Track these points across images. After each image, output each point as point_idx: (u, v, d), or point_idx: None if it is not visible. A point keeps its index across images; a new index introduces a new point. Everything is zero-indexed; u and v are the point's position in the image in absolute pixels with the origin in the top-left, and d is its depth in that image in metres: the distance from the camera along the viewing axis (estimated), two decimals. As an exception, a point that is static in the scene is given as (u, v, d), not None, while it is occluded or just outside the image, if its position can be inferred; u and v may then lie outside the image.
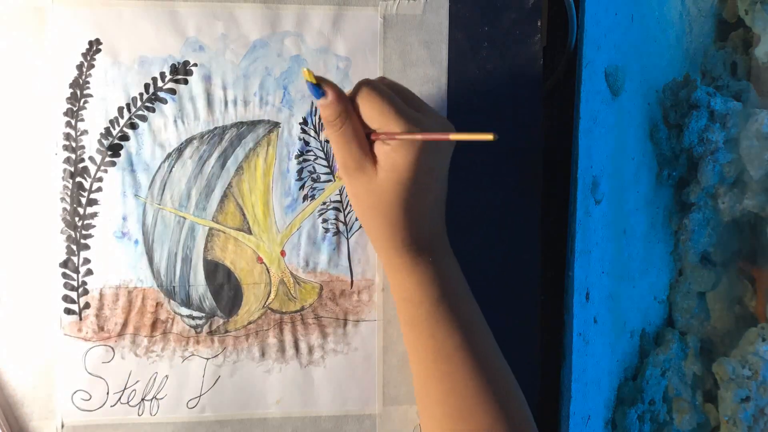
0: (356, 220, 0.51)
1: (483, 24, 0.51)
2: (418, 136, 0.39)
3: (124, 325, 0.49)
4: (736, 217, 0.66)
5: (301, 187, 0.50)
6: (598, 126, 0.58)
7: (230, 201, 0.50)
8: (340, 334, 0.51)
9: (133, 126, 0.49)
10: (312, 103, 0.50)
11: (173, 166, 0.49)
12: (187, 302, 0.50)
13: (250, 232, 0.50)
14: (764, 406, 0.64)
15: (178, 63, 0.49)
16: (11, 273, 0.48)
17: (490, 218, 0.52)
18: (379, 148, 0.40)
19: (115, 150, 0.49)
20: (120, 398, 0.49)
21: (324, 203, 0.51)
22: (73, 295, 0.49)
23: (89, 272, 0.49)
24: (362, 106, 0.40)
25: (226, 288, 0.50)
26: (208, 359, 0.50)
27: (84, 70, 0.48)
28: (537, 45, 0.52)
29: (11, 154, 0.48)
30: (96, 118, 0.48)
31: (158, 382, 0.49)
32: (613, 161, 0.61)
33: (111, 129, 0.49)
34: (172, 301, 0.50)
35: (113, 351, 0.49)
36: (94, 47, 0.48)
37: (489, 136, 0.34)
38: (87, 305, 0.49)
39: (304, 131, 0.50)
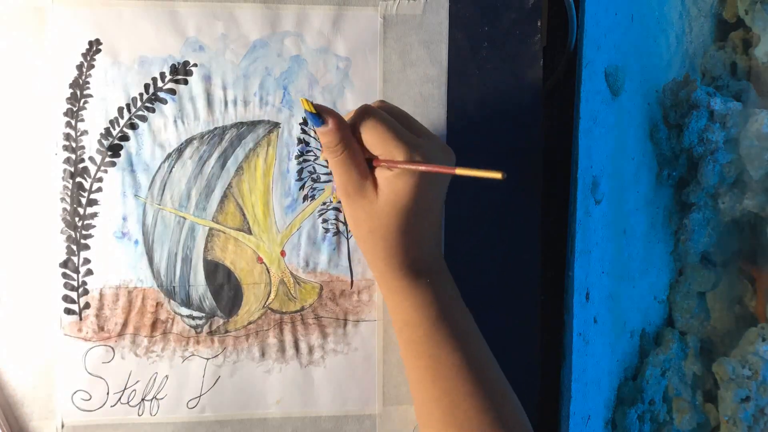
0: (356, 220, 0.51)
1: (483, 24, 0.51)
2: (422, 168, 0.39)
3: (124, 325, 0.49)
4: (736, 217, 0.66)
5: (301, 188, 0.50)
6: (598, 126, 0.58)
7: (230, 201, 0.50)
8: (340, 334, 0.51)
9: (133, 126, 0.49)
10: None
11: (173, 167, 0.49)
12: (187, 302, 0.50)
13: (250, 232, 0.50)
14: (764, 406, 0.64)
15: (178, 63, 0.49)
16: (11, 273, 0.48)
17: (490, 218, 0.52)
18: (381, 174, 0.41)
19: (115, 150, 0.49)
20: (120, 398, 0.49)
21: (324, 203, 0.51)
22: (73, 295, 0.49)
23: (89, 272, 0.49)
24: (364, 133, 0.40)
25: (226, 288, 0.50)
26: (208, 359, 0.50)
27: (84, 70, 0.48)
28: (537, 45, 0.52)
29: (11, 154, 0.48)
30: (96, 119, 0.48)
31: (158, 382, 0.50)
32: (613, 161, 0.61)
33: (111, 129, 0.49)
34: (172, 301, 0.50)
35: (113, 351, 0.49)
36: (94, 47, 0.48)
37: (497, 175, 0.34)
38: (87, 305, 0.49)
39: (304, 131, 0.50)
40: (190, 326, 0.50)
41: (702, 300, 0.68)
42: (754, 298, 0.67)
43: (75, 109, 0.48)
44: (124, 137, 0.49)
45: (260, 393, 0.50)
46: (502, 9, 0.51)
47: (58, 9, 0.47)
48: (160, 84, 0.49)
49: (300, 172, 0.50)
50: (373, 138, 0.40)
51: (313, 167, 0.50)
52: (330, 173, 0.51)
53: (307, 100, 0.39)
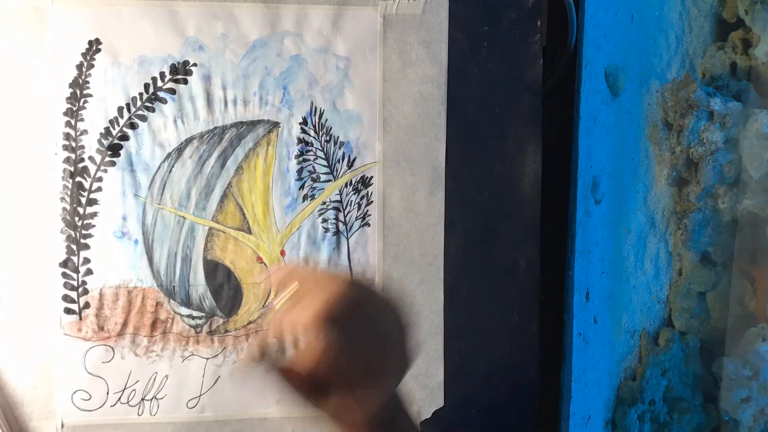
0: (356, 219, 0.51)
1: (483, 24, 0.51)
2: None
3: (124, 324, 0.49)
4: (736, 217, 0.66)
5: (301, 187, 0.50)
6: (598, 126, 0.58)
7: (230, 201, 0.50)
8: (340, 334, 0.51)
9: (133, 126, 0.49)
10: (311, 102, 0.50)
11: (173, 166, 0.49)
12: (187, 302, 0.50)
13: (250, 231, 0.50)
14: (764, 406, 0.64)
15: (178, 63, 0.49)
16: (11, 273, 0.48)
17: (490, 218, 0.52)
18: None
19: (114, 150, 0.49)
20: (120, 398, 0.49)
21: (324, 203, 0.51)
22: (73, 294, 0.49)
23: (89, 272, 0.49)
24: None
25: (226, 288, 0.50)
26: (207, 359, 0.50)
27: (84, 70, 0.48)
28: (537, 45, 0.52)
29: (11, 154, 0.48)
30: (96, 118, 0.48)
31: (158, 382, 0.49)
32: (613, 161, 0.61)
33: (111, 129, 0.49)
34: (172, 301, 0.50)
35: (113, 351, 0.49)
36: (94, 47, 0.48)
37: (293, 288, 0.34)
38: (87, 305, 0.49)
39: (303, 131, 0.50)
40: (190, 326, 0.50)
41: (702, 300, 0.68)
42: (754, 298, 0.67)
43: (75, 108, 0.48)
44: (124, 137, 0.49)
45: (260, 393, 0.50)
46: (502, 9, 0.51)
47: (58, 9, 0.47)
48: (159, 84, 0.49)
49: (300, 171, 0.50)
50: None
51: (313, 167, 0.50)
52: (330, 172, 0.51)
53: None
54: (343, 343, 0.34)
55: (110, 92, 0.48)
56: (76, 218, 0.49)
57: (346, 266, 0.51)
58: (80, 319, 0.49)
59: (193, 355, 0.50)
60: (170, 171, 0.49)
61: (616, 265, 0.63)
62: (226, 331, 0.50)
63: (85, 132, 0.48)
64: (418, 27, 0.50)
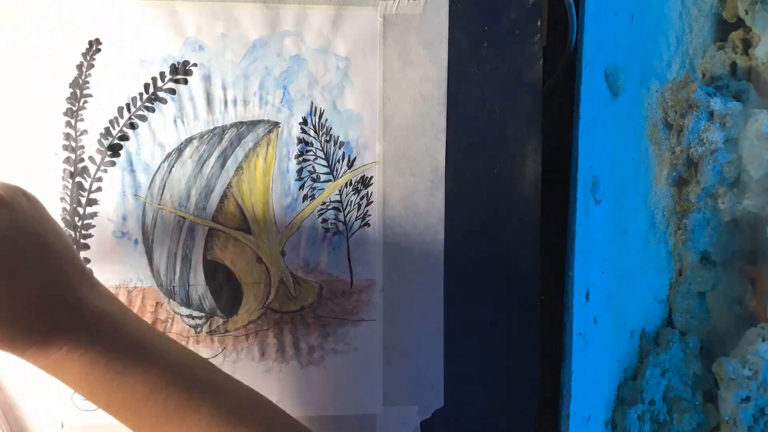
0: (356, 219, 0.51)
1: (483, 24, 0.51)
2: None
3: (124, 325, 0.49)
4: (736, 217, 0.66)
5: (301, 187, 0.50)
6: (598, 126, 0.58)
7: (230, 201, 0.50)
8: (340, 334, 0.51)
9: (133, 126, 0.49)
10: (311, 102, 0.50)
11: (173, 166, 0.49)
12: (186, 302, 0.50)
13: (249, 232, 0.50)
14: (764, 406, 0.64)
15: (178, 63, 0.49)
16: (11, 273, 0.48)
17: (490, 218, 0.52)
18: None
19: (114, 150, 0.49)
20: (120, 398, 0.49)
21: (324, 203, 0.51)
22: (73, 295, 0.49)
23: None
24: None
25: (225, 288, 0.50)
26: (207, 359, 0.50)
27: (84, 70, 0.48)
28: (537, 45, 0.52)
29: (11, 154, 0.48)
30: (96, 118, 0.48)
31: (158, 382, 0.49)
32: (613, 161, 0.61)
33: (111, 129, 0.49)
34: (171, 301, 0.50)
35: (113, 351, 0.49)
36: (94, 47, 0.48)
37: None
38: (87, 305, 0.49)
39: (303, 131, 0.50)
40: (190, 326, 0.50)
41: (702, 300, 0.68)
42: (754, 298, 0.67)
43: (75, 108, 0.48)
44: (124, 137, 0.49)
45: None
46: (502, 9, 0.51)
47: (58, 9, 0.47)
48: (159, 84, 0.49)
49: (300, 171, 0.50)
50: None
51: (313, 167, 0.50)
52: (330, 172, 0.51)
53: None
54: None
55: (110, 92, 0.48)
56: (76, 218, 0.49)
57: (346, 266, 0.51)
58: (80, 319, 0.49)
59: (193, 355, 0.50)
60: (170, 171, 0.49)
61: (616, 265, 0.63)
62: (226, 331, 0.50)
63: (85, 132, 0.48)
64: (418, 27, 0.50)
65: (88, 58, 0.48)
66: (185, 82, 0.49)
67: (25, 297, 0.34)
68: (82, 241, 0.49)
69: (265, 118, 0.50)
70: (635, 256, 0.65)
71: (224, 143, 0.50)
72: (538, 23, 0.51)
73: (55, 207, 0.48)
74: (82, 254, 0.49)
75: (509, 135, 0.52)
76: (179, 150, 0.49)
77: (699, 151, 0.64)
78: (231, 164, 0.50)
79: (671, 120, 0.66)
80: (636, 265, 0.65)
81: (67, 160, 0.48)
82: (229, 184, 0.50)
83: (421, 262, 0.51)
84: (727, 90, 0.67)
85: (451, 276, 0.51)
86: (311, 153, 0.50)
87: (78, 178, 0.49)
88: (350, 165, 0.51)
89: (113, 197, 0.49)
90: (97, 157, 0.49)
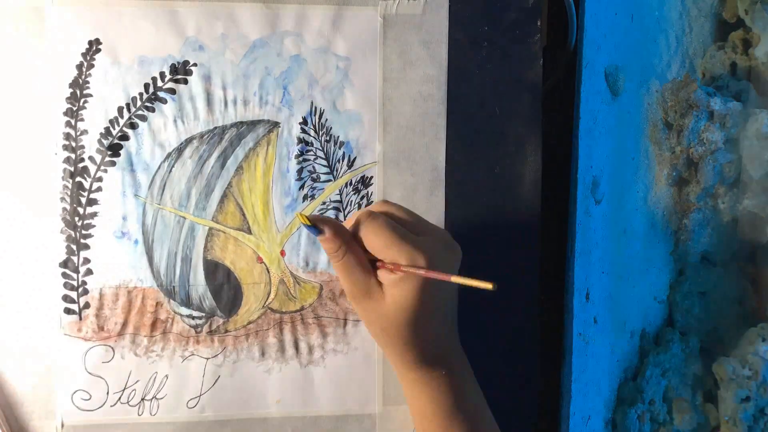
0: (356, 220, 0.51)
1: (483, 24, 0.51)
2: (421, 273, 0.40)
3: (124, 324, 0.49)
4: (736, 217, 0.66)
5: (301, 187, 0.50)
6: (598, 126, 0.58)
7: (230, 201, 0.50)
8: (340, 333, 0.51)
9: (133, 126, 0.49)
10: (311, 102, 0.50)
11: (173, 166, 0.49)
12: (187, 302, 0.50)
13: (250, 231, 0.50)
14: (764, 406, 0.64)
15: (178, 63, 0.49)
16: (11, 273, 0.48)
17: (490, 218, 0.52)
18: (385, 276, 0.41)
19: (115, 150, 0.49)
20: (120, 398, 0.49)
21: (324, 203, 0.51)
22: (73, 294, 0.49)
23: (89, 272, 0.49)
24: (365, 238, 0.41)
25: (226, 288, 0.50)
26: (207, 359, 0.50)
27: (84, 70, 0.48)
28: (537, 45, 0.52)
29: (11, 154, 0.48)
30: (96, 118, 0.48)
31: (158, 381, 0.50)
32: (613, 161, 0.61)
33: (111, 129, 0.49)
34: (172, 301, 0.50)
35: (113, 351, 0.49)
36: (94, 47, 0.48)
37: (488, 285, 0.35)
38: (87, 305, 0.49)
39: (303, 131, 0.50)
40: (190, 326, 0.50)
41: (702, 300, 0.68)
42: (754, 298, 0.67)
43: (75, 108, 0.48)
44: (124, 137, 0.49)
45: (260, 393, 0.50)
46: (502, 9, 0.51)
47: (58, 9, 0.47)
48: (159, 84, 0.49)
49: (300, 171, 0.50)
50: (375, 243, 0.41)
51: (313, 167, 0.50)
52: (330, 172, 0.51)
53: (302, 215, 0.40)
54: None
55: (110, 92, 0.48)
56: (76, 218, 0.49)
57: (346, 266, 0.51)
58: (80, 319, 0.49)
59: (193, 355, 0.50)
60: (170, 171, 0.49)
61: (616, 265, 0.63)
62: (226, 331, 0.50)
63: (85, 132, 0.48)
64: (418, 27, 0.50)
65: (88, 58, 0.48)
66: (185, 82, 0.49)
67: (450, 326, 0.45)
68: (82, 241, 0.49)
69: (265, 118, 0.50)
70: (635, 256, 0.65)
71: (224, 143, 0.50)
72: (538, 23, 0.51)
73: (55, 207, 0.48)
74: (82, 254, 0.49)
75: (509, 135, 0.52)
76: (179, 150, 0.49)
77: (699, 151, 0.64)
78: (231, 164, 0.50)
79: (671, 120, 0.66)
80: (636, 265, 0.65)
81: (67, 160, 0.48)
82: (229, 184, 0.50)
83: (421, 262, 0.51)
84: (727, 90, 0.67)
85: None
86: (311, 153, 0.50)
87: (78, 178, 0.49)
88: (350, 165, 0.51)
89: (113, 197, 0.49)
90: (98, 157, 0.49)
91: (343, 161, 0.51)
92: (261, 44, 0.49)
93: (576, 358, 0.56)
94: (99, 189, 0.49)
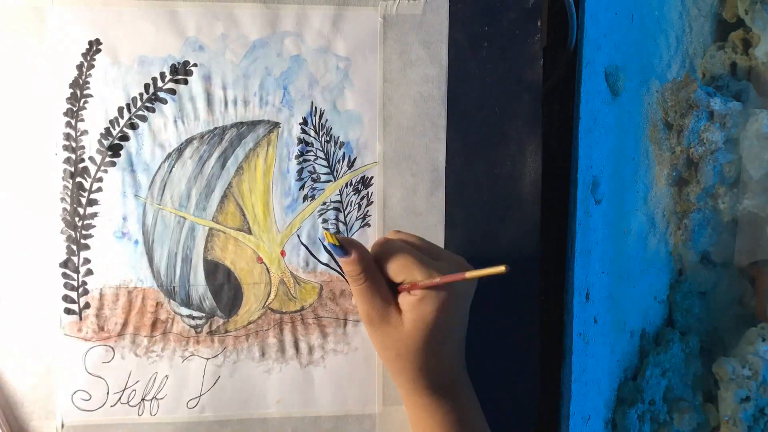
0: (356, 220, 0.51)
1: (483, 24, 0.51)
2: (437, 280, 0.41)
3: (124, 325, 0.49)
4: (736, 217, 0.66)
5: (301, 187, 0.50)
6: (598, 126, 0.58)
7: (230, 201, 0.50)
8: (340, 334, 0.51)
9: (133, 126, 0.49)
10: (312, 102, 0.50)
11: (173, 166, 0.49)
12: (187, 302, 0.50)
13: (250, 232, 0.50)
14: (764, 406, 0.64)
15: (178, 63, 0.49)
16: (11, 273, 0.48)
17: (490, 218, 0.52)
18: (405, 300, 0.42)
19: (115, 150, 0.49)
20: (120, 398, 0.49)
21: (324, 203, 0.51)
22: (73, 295, 0.49)
23: (89, 272, 0.49)
24: (385, 261, 0.42)
25: (226, 288, 0.50)
26: (208, 359, 0.50)
27: (84, 70, 0.48)
28: (537, 45, 0.52)
29: (11, 154, 0.48)
30: (96, 118, 0.48)
31: (158, 382, 0.50)
32: (613, 161, 0.61)
33: (111, 129, 0.49)
34: (172, 301, 0.50)
35: (113, 351, 0.49)
36: (94, 47, 0.48)
37: (501, 269, 0.37)
38: (87, 305, 0.49)
39: (304, 131, 0.50)
40: (190, 326, 0.50)
41: (702, 300, 0.68)
42: (754, 298, 0.67)
43: (75, 109, 0.48)
44: (124, 137, 0.49)
45: (260, 393, 0.50)
46: (502, 9, 0.51)
47: (58, 9, 0.47)
48: (160, 84, 0.49)
49: (300, 171, 0.50)
50: (394, 266, 0.42)
51: (313, 167, 0.51)
52: (330, 173, 0.51)
53: (330, 234, 0.41)
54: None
55: (110, 92, 0.48)
56: (76, 218, 0.49)
57: (346, 266, 0.51)
58: (80, 319, 0.49)
59: (193, 355, 0.50)
60: (170, 171, 0.49)
61: (616, 265, 0.63)
62: (227, 331, 0.50)
63: (85, 132, 0.48)
64: (418, 27, 0.50)
65: (88, 58, 0.48)
66: (185, 82, 0.49)
67: (460, 354, 0.46)
68: (82, 241, 0.49)
69: (266, 119, 0.50)
70: (635, 256, 0.65)
71: (224, 143, 0.50)
72: (538, 23, 0.51)
73: (55, 207, 0.48)
74: (82, 254, 0.49)
75: (509, 135, 0.52)
76: (179, 150, 0.49)
77: (699, 151, 0.64)
78: (231, 164, 0.50)
79: (671, 120, 0.66)
80: (636, 265, 0.65)
81: (67, 160, 0.48)
82: (230, 185, 0.50)
83: (421, 262, 0.51)
84: (727, 90, 0.67)
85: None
86: (311, 153, 0.50)
87: (78, 179, 0.49)
88: (350, 165, 0.51)
89: (113, 197, 0.49)
90: (98, 158, 0.49)
91: (343, 161, 0.51)
92: (261, 44, 0.49)
93: (576, 358, 0.56)
94: (99, 189, 0.49)
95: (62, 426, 0.49)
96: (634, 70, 0.63)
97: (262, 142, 0.50)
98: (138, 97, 0.49)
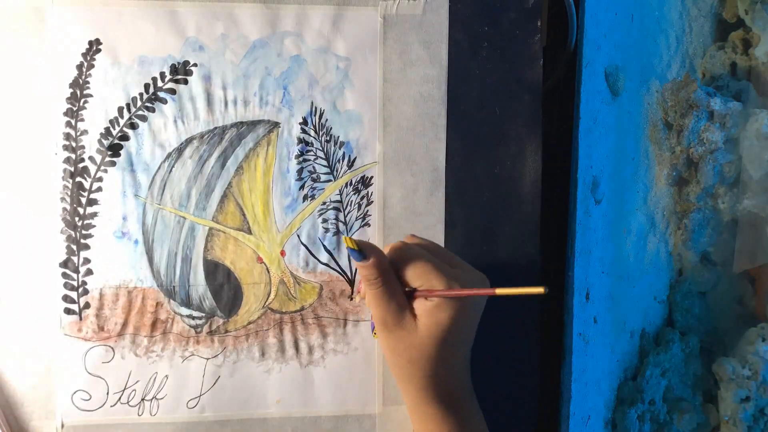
0: (356, 219, 0.51)
1: (483, 24, 0.51)
2: (463, 293, 0.41)
3: (124, 325, 0.49)
4: (736, 217, 0.66)
5: (301, 187, 0.50)
6: (598, 126, 0.58)
7: (230, 201, 0.50)
8: (340, 334, 0.51)
9: (133, 126, 0.49)
10: (312, 102, 0.50)
11: (173, 166, 0.49)
12: (187, 302, 0.50)
13: (250, 232, 0.50)
14: (764, 406, 0.64)
15: (178, 63, 0.49)
16: (11, 273, 0.48)
17: (490, 218, 0.52)
18: (420, 306, 0.42)
19: (115, 150, 0.49)
20: (120, 398, 0.49)
21: (324, 203, 0.51)
22: (73, 295, 0.49)
23: (89, 272, 0.49)
24: (402, 266, 0.42)
25: (226, 288, 0.50)
26: (208, 359, 0.50)
27: (84, 70, 0.48)
28: (537, 45, 0.52)
29: (11, 154, 0.48)
30: (96, 118, 0.48)
31: (158, 382, 0.50)
32: (613, 161, 0.61)
33: (111, 129, 0.49)
34: (172, 301, 0.50)
35: (113, 351, 0.49)
36: (94, 47, 0.48)
37: (540, 290, 0.35)
38: (87, 305, 0.49)
39: (304, 131, 0.50)
40: (190, 326, 0.50)
41: (702, 300, 0.68)
42: (754, 298, 0.67)
43: (75, 108, 0.48)
44: (124, 137, 0.49)
45: (260, 393, 0.50)
46: (502, 9, 0.51)
47: (58, 9, 0.47)
48: (160, 84, 0.49)
49: (300, 171, 0.50)
50: (411, 271, 0.42)
51: (313, 167, 0.51)
52: (330, 173, 0.51)
53: (350, 239, 0.41)
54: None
55: (110, 92, 0.48)
56: (76, 218, 0.49)
57: (347, 266, 0.51)
58: (80, 319, 0.49)
59: (193, 355, 0.50)
60: (170, 171, 0.49)
61: (616, 265, 0.63)
62: (226, 331, 0.50)
63: (85, 132, 0.48)
64: (418, 27, 0.50)
65: (88, 58, 0.48)
66: (185, 82, 0.49)
67: (467, 364, 0.45)
68: (82, 241, 0.49)
69: (266, 118, 0.50)
70: (635, 256, 0.65)
71: (224, 143, 0.50)
72: (538, 23, 0.51)
73: (55, 207, 0.48)
74: (82, 254, 0.49)
75: (509, 135, 0.52)
76: (179, 150, 0.49)
77: (699, 151, 0.64)
78: (231, 164, 0.50)
79: (671, 120, 0.66)
80: (636, 265, 0.65)
81: (67, 160, 0.48)
82: (230, 184, 0.50)
83: (421, 262, 0.51)
84: (727, 90, 0.67)
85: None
86: (311, 153, 0.50)
87: (78, 178, 0.49)
88: (350, 165, 0.51)
89: (113, 197, 0.49)
90: (98, 157, 0.49)
91: (343, 161, 0.51)
92: (261, 44, 0.49)
93: (576, 358, 0.56)
94: (99, 189, 0.49)
95: (62, 426, 0.49)
96: (634, 70, 0.63)
97: (262, 142, 0.50)
98: (138, 97, 0.49)
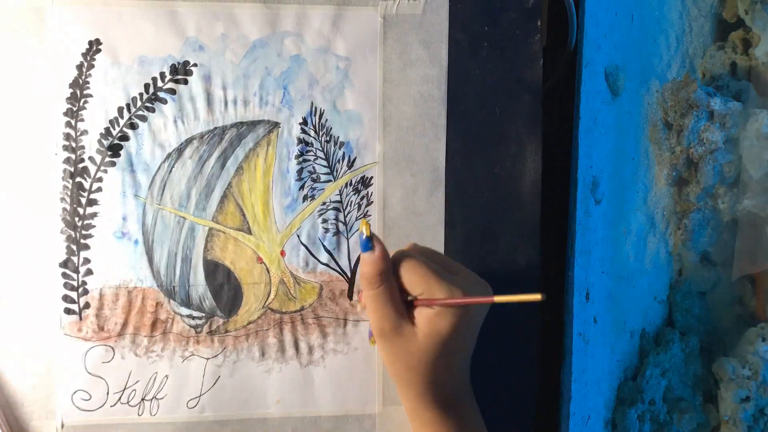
0: (356, 220, 0.51)
1: (483, 24, 0.51)
2: (462, 301, 0.40)
3: (124, 325, 0.49)
4: (736, 217, 0.66)
5: (301, 187, 0.50)
6: (598, 126, 0.58)
7: (230, 201, 0.50)
8: (340, 334, 0.51)
9: (133, 126, 0.49)
10: (312, 102, 0.50)
11: (173, 166, 0.49)
12: (187, 302, 0.50)
13: (250, 232, 0.50)
14: (764, 406, 0.64)
15: (178, 63, 0.49)
16: (11, 273, 0.48)
17: (490, 218, 0.52)
18: (421, 313, 0.42)
19: (115, 150, 0.49)
20: (120, 398, 0.49)
21: (324, 203, 0.51)
22: (73, 295, 0.49)
23: (89, 272, 0.49)
24: (404, 273, 0.42)
25: (226, 288, 0.50)
26: (208, 359, 0.50)
27: (84, 70, 0.48)
28: (537, 45, 0.52)
29: (11, 154, 0.48)
30: (96, 118, 0.48)
31: (158, 382, 0.50)
32: (613, 161, 0.61)
33: (111, 129, 0.49)
34: (172, 301, 0.50)
35: (113, 351, 0.49)
36: (94, 47, 0.48)
37: (537, 297, 0.35)
38: (87, 305, 0.49)
39: (304, 131, 0.50)
40: (190, 326, 0.50)
41: (702, 300, 0.68)
42: (754, 298, 0.67)
43: (75, 109, 0.48)
44: (124, 137, 0.49)
45: (260, 393, 0.50)
46: (502, 9, 0.51)
47: (58, 9, 0.47)
48: (160, 84, 0.49)
49: (300, 171, 0.50)
50: (412, 279, 0.41)
51: (313, 167, 0.51)
52: (330, 173, 0.51)
53: (368, 223, 0.41)
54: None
55: (110, 92, 0.48)
56: (76, 218, 0.49)
57: (347, 266, 0.51)
58: (80, 319, 0.49)
59: (193, 355, 0.50)
60: (170, 171, 0.49)
61: (616, 265, 0.63)
62: (227, 331, 0.50)
63: (85, 132, 0.48)
64: (418, 27, 0.50)
65: (88, 58, 0.48)
66: (185, 82, 0.49)
67: (467, 368, 0.46)
68: (82, 241, 0.49)
69: (265, 119, 0.50)
70: (635, 256, 0.65)
71: (224, 143, 0.50)
72: (538, 23, 0.51)
73: (55, 207, 0.48)
74: (82, 254, 0.49)
75: (509, 135, 0.52)
76: (179, 150, 0.49)
77: (699, 151, 0.64)
78: (231, 164, 0.50)
79: (671, 120, 0.66)
80: (636, 265, 0.65)
81: (67, 161, 0.48)
82: (229, 184, 0.50)
83: (421, 262, 0.51)
84: (727, 90, 0.67)
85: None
86: (311, 153, 0.50)
87: (78, 179, 0.49)
88: (350, 165, 0.51)
89: (113, 197, 0.49)
90: (98, 158, 0.49)
91: (343, 161, 0.51)
92: (261, 44, 0.49)
93: (576, 358, 0.56)
94: (99, 189, 0.49)
95: (62, 426, 0.49)
96: (634, 70, 0.63)
97: (262, 142, 0.50)
98: (138, 97, 0.49)
